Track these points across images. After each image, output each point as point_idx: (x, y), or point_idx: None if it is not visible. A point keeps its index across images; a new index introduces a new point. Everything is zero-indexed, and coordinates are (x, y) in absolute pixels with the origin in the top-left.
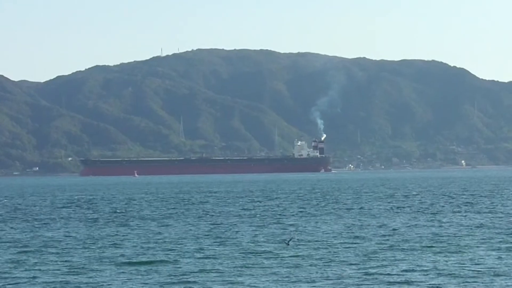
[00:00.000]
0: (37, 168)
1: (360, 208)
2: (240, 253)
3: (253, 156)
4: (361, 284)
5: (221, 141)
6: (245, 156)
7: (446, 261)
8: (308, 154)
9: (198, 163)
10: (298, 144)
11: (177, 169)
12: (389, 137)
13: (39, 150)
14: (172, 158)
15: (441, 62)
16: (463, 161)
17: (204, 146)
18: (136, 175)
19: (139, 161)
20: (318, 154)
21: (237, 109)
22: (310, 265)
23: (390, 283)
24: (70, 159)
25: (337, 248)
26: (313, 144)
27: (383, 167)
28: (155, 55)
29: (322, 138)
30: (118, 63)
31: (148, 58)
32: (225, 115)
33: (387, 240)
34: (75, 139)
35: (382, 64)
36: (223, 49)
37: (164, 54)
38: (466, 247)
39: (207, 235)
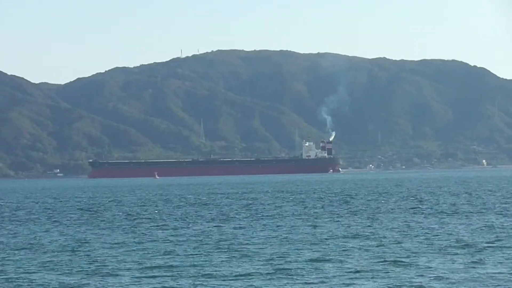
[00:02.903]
0: (58, 170)
1: None
2: None
3: (260, 157)
4: None
5: (241, 142)
6: (252, 157)
7: None
8: (316, 155)
9: (205, 165)
10: (306, 145)
11: (186, 170)
12: (409, 137)
13: (59, 152)
14: (180, 160)
15: (461, 62)
16: (484, 161)
17: (225, 147)
18: (157, 177)
19: (147, 163)
20: (326, 154)
21: (257, 110)
22: None
23: None
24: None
25: None
26: (321, 144)
27: (403, 167)
28: (175, 56)
29: (331, 139)
30: (138, 65)
31: (168, 59)
32: (246, 116)
33: None
34: (96, 141)
35: (402, 64)
36: (242, 50)
37: (184, 56)
38: None
39: None
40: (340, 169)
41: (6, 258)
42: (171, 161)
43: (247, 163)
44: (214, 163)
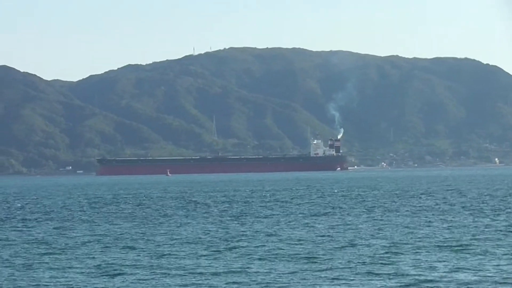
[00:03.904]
0: (70, 167)
1: None
2: None
3: (269, 155)
4: None
5: (253, 140)
6: (260, 155)
7: None
8: (324, 153)
9: (214, 162)
10: (314, 142)
11: (194, 168)
12: (422, 135)
13: (72, 149)
14: (187, 157)
15: (474, 60)
16: (496, 159)
17: (237, 144)
18: (169, 174)
19: (154, 160)
20: (334, 152)
21: (269, 108)
22: None
23: None
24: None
25: None
26: (329, 142)
27: (416, 165)
28: (188, 54)
29: (339, 136)
30: (151, 62)
31: (180, 57)
32: (258, 114)
33: None
34: (108, 138)
35: (415, 62)
36: (255, 48)
37: (196, 53)
38: None
39: None
40: (348, 166)
41: (13, 255)
42: (179, 159)
43: (255, 161)
44: (222, 161)
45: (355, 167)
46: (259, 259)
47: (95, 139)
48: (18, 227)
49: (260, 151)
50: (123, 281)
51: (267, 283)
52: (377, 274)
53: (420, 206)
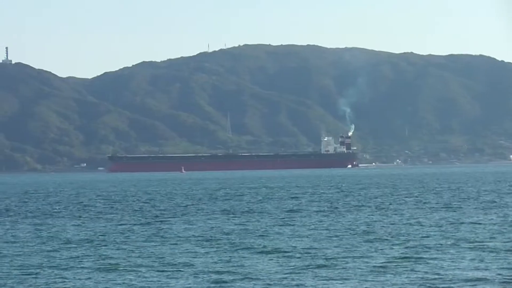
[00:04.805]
0: (85, 164)
1: None
2: None
3: (280, 152)
4: None
5: (268, 137)
6: (271, 152)
7: None
8: (335, 150)
9: (224, 159)
10: (325, 139)
11: (205, 165)
12: (436, 132)
13: (86, 146)
14: (198, 155)
15: (489, 57)
16: (511, 156)
17: (251, 142)
18: (183, 171)
19: (165, 157)
20: (345, 149)
21: (284, 105)
22: None
23: None
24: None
25: None
26: (340, 139)
27: (430, 162)
28: (202, 51)
29: (350, 133)
30: (165, 59)
31: (195, 54)
32: (272, 111)
33: None
34: (123, 135)
35: (430, 59)
36: (269, 45)
37: (211, 50)
38: None
39: None
40: (359, 163)
41: (15, 253)
42: (190, 156)
43: (267, 158)
44: (232, 158)
45: (373, 164)
46: (269, 255)
47: (110, 136)
48: (23, 224)
49: (275, 148)
50: (130, 278)
51: (278, 279)
52: (386, 270)
53: (428, 203)
